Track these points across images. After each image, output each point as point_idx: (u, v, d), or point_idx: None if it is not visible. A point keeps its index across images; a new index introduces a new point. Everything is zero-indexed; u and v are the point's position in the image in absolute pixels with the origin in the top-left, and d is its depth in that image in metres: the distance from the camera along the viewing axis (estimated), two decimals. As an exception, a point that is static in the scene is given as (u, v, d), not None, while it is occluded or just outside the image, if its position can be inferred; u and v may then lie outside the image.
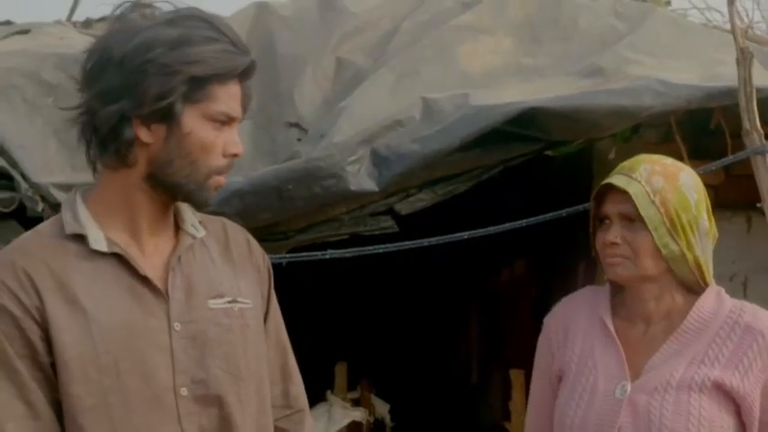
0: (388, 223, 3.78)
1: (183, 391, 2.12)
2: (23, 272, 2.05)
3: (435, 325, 8.52)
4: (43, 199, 3.78)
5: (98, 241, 2.10)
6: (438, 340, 8.49)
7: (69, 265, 2.08)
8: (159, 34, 2.07)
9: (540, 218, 3.73)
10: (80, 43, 4.39)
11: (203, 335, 2.16)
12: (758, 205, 3.61)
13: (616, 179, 2.61)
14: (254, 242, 2.41)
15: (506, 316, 7.81)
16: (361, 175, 3.57)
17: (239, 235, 2.39)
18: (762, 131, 3.57)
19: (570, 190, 5.09)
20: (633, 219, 2.57)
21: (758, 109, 3.57)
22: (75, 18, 5.88)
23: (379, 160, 3.60)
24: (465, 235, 3.60)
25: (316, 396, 4.79)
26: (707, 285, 2.64)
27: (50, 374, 2.04)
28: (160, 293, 2.13)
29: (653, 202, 2.55)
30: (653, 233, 2.55)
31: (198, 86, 2.08)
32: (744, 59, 3.49)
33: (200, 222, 2.28)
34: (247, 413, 2.22)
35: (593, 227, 2.72)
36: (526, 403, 5.01)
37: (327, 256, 3.53)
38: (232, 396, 2.18)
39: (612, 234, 2.61)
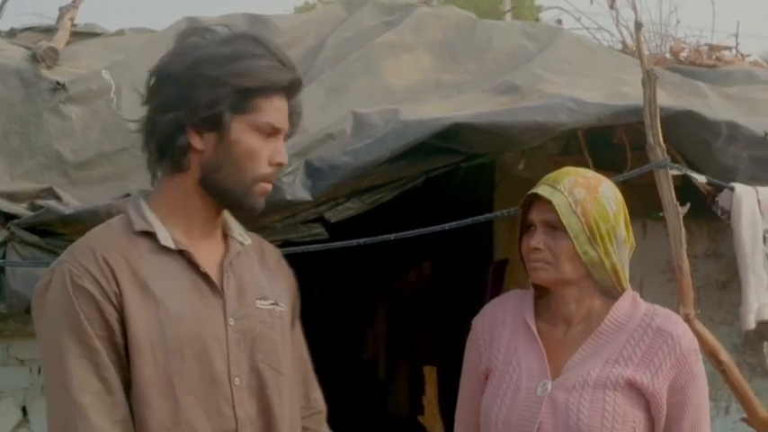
0: (318, 230, 3.81)
1: (237, 381, 2.20)
2: (103, 259, 2.12)
3: (347, 323, 8.56)
4: (-16, 205, 3.74)
5: (166, 239, 2.19)
6: (349, 338, 8.53)
7: (141, 257, 2.16)
8: (213, 51, 2.18)
9: (454, 224, 3.78)
10: (17, 54, 4.33)
11: (252, 331, 2.25)
12: (660, 214, 3.72)
13: (542, 189, 2.67)
14: (284, 260, 2.52)
15: (413, 315, 7.88)
16: (296, 186, 3.60)
17: (273, 251, 2.50)
18: (663, 147, 3.68)
19: (474, 198, 5.21)
20: (556, 226, 2.63)
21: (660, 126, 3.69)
22: (-1, 28, 5.73)
23: (312, 171, 3.63)
24: (392, 236, 3.64)
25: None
26: (623, 290, 2.71)
27: (123, 355, 2.11)
28: (217, 290, 2.22)
29: (574, 211, 2.60)
30: (574, 240, 2.61)
31: (245, 98, 2.18)
32: (649, 81, 3.59)
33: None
34: (285, 407, 2.30)
35: (521, 232, 2.79)
36: (438, 398, 5.10)
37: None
38: (273, 389, 2.26)
39: (536, 240, 2.67)
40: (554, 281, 2.68)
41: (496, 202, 5.50)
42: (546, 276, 2.67)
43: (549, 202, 2.63)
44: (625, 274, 2.71)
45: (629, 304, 2.70)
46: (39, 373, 4.21)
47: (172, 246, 2.19)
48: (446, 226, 3.64)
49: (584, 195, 2.64)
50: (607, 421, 2.56)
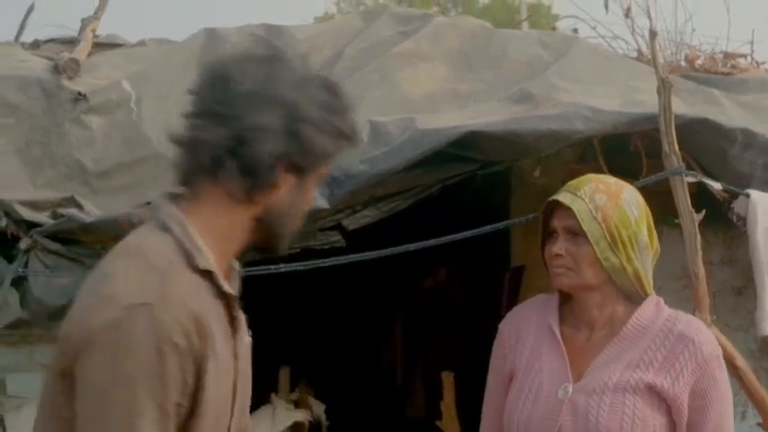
0: (336, 238, 3.82)
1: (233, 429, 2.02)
2: (191, 311, 1.85)
3: (365, 330, 8.57)
4: (7, 215, 3.75)
5: (222, 281, 1.95)
6: (367, 345, 8.54)
7: (206, 307, 1.90)
8: (322, 96, 2.01)
9: (473, 232, 3.79)
10: (39, 65, 4.36)
11: (245, 371, 2.08)
12: (676, 221, 3.71)
13: (563, 196, 2.67)
14: None
15: (429, 322, 7.89)
16: (315, 194, 3.60)
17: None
18: (679, 154, 3.67)
19: (490, 205, 5.20)
20: (577, 233, 2.61)
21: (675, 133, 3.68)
22: (22, 39, 5.77)
23: (330, 180, 3.63)
24: (412, 247, 3.65)
25: (260, 399, 4.79)
26: (647, 295, 2.69)
27: (183, 419, 1.87)
28: (235, 332, 2.02)
29: (595, 218, 2.59)
30: (595, 247, 2.60)
31: (338, 153, 2.06)
32: (664, 89, 3.59)
33: None
34: None
35: (543, 239, 2.79)
36: (456, 403, 5.11)
37: (282, 270, 3.55)
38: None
39: (558, 246, 2.67)
40: (576, 286, 2.68)
41: (513, 210, 5.49)
42: (568, 282, 2.67)
43: (569, 209, 2.61)
44: (648, 279, 2.69)
45: (653, 309, 2.67)
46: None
47: (228, 290, 1.97)
48: (465, 234, 3.64)
49: (606, 202, 2.63)
50: (626, 425, 2.56)
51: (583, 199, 2.62)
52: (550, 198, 2.71)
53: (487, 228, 3.72)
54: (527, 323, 2.85)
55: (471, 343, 6.92)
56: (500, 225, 3.82)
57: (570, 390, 2.63)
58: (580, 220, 2.60)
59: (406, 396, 8.12)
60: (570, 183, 2.73)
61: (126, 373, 1.79)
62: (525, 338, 2.83)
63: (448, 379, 5.06)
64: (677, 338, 2.61)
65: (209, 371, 1.87)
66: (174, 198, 2.01)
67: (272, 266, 3.63)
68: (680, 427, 2.61)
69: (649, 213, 2.71)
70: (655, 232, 2.72)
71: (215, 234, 1.98)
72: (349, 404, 6.70)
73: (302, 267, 3.56)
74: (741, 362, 3.74)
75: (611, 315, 2.71)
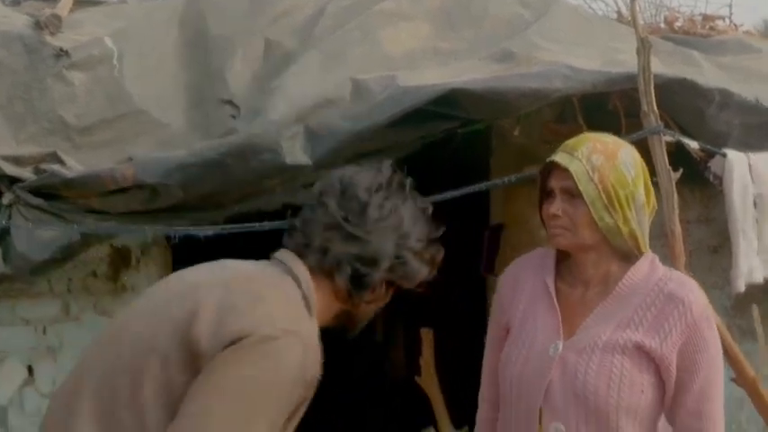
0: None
1: None
2: (318, 354, 2.20)
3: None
4: (-10, 170, 3.75)
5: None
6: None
7: None
8: (425, 226, 2.45)
9: (454, 193, 3.78)
10: (21, 21, 4.32)
11: None
12: (654, 179, 3.72)
13: (560, 157, 2.67)
14: None
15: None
16: (296, 150, 3.61)
17: None
18: (657, 113, 3.68)
19: (470, 164, 5.20)
20: (573, 194, 2.63)
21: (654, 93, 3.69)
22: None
23: (312, 136, 3.64)
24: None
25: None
26: (642, 254, 2.71)
27: None
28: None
29: (591, 179, 2.60)
30: (591, 207, 2.61)
31: None
32: (644, 49, 3.58)
33: None
34: None
35: (540, 198, 2.80)
36: (435, 359, 5.14)
37: (267, 228, 3.55)
38: None
39: (555, 207, 2.67)
40: (572, 246, 2.70)
41: (493, 169, 5.50)
42: (564, 242, 2.69)
43: (566, 170, 2.63)
44: (644, 238, 2.70)
45: (647, 268, 2.70)
46: (44, 332, 4.25)
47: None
48: (447, 195, 3.64)
49: (602, 162, 2.63)
50: (614, 384, 2.58)
51: (580, 160, 2.63)
52: (548, 159, 2.72)
53: (470, 188, 3.72)
54: (524, 278, 2.88)
55: (450, 300, 6.97)
56: (483, 186, 3.83)
57: (560, 347, 2.66)
58: (577, 181, 2.62)
59: (385, 353, 8.15)
60: (567, 142, 2.73)
61: (268, 380, 2.04)
62: (522, 293, 2.85)
63: (427, 336, 5.08)
64: (667, 298, 2.63)
65: (299, 412, 2.17)
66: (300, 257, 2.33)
67: (256, 224, 3.64)
68: (668, 386, 2.63)
69: (646, 171, 2.72)
70: (652, 189, 2.73)
71: (318, 312, 2.30)
72: (329, 361, 6.64)
73: (285, 226, 3.55)
74: (716, 319, 3.78)
75: (605, 273, 2.73)
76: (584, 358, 2.62)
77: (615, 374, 2.58)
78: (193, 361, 2.04)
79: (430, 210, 2.50)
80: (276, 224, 3.53)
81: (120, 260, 4.34)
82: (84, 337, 4.26)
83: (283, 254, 2.36)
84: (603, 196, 2.62)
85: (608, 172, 2.62)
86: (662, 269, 2.70)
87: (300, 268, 2.29)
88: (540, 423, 2.67)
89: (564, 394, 2.63)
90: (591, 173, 2.62)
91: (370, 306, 2.43)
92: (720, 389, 2.66)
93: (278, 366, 2.06)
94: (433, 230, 2.46)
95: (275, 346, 2.06)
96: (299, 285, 2.26)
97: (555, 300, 2.75)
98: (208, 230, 3.48)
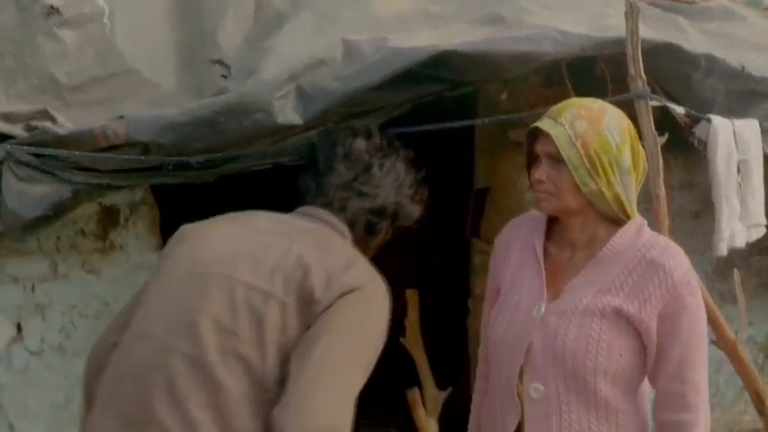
0: (307, 154, 3.82)
1: None
2: None
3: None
4: (-20, 126, 3.73)
5: None
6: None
7: None
8: (414, 173, 3.00)
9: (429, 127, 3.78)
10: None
11: None
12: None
13: (543, 123, 2.72)
14: None
15: (393, 240, 7.89)
16: (287, 110, 3.61)
17: None
18: (644, 78, 3.71)
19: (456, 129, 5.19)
20: (557, 159, 2.68)
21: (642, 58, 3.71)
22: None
23: (303, 96, 3.64)
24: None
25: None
26: (629, 218, 2.76)
27: None
28: None
29: (573, 144, 2.65)
30: (573, 173, 2.66)
31: None
32: (632, 13, 3.61)
33: None
34: None
35: (528, 163, 2.83)
36: (420, 320, 5.16)
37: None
38: None
39: (540, 172, 2.73)
40: (557, 210, 2.77)
41: (478, 133, 5.53)
42: (550, 207, 2.76)
43: (549, 135, 2.68)
44: (631, 203, 2.75)
45: (633, 233, 2.75)
46: (32, 290, 4.24)
47: None
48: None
49: (586, 128, 2.67)
50: (591, 347, 2.64)
51: (563, 125, 2.68)
52: (533, 124, 2.74)
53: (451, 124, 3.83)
54: (516, 240, 2.95)
55: (435, 262, 7.00)
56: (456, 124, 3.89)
57: (543, 309, 2.73)
58: (559, 147, 2.66)
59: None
60: (553, 108, 2.78)
61: (373, 325, 2.48)
62: (512, 255, 2.92)
63: (412, 297, 5.09)
64: (649, 264, 2.68)
65: None
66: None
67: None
68: (650, 351, 2.69)
69: (634, 136, 2.77)
70: (642, 153, 2.77)
71: None
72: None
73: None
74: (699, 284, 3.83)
75: (592, 237, 2.79)
76: (565, 321, 2.68)
77: (593, 338, 2.65)
78: (308, 307, 2.42)
79: (412, 155, 3.02)
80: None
81: (109, 219, 4.33)
82: (73, 295, 4.29)
83: (317, 210, 2.81)
84: (586, 161, 2.66)
85: (591, 138, 2.67)
86: (647, 235, 2.75)
87: (341, 224, 2.80)
88: (521, 383, 2.74)
89: (544, 356, 2.70)
90: (573, 138, 2.67)
91: (376, 245, 2.96)
92: (703, 355, 2.71)
93: (379, 312, 2.50)
94: (419, 173, 3.00)
95: (374, 295, 2.51)
96: (344, 237, 2.78)
97: (542, 262, 2.81)
98: (199, 158, 3.56)
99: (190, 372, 2.37)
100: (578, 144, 2.66)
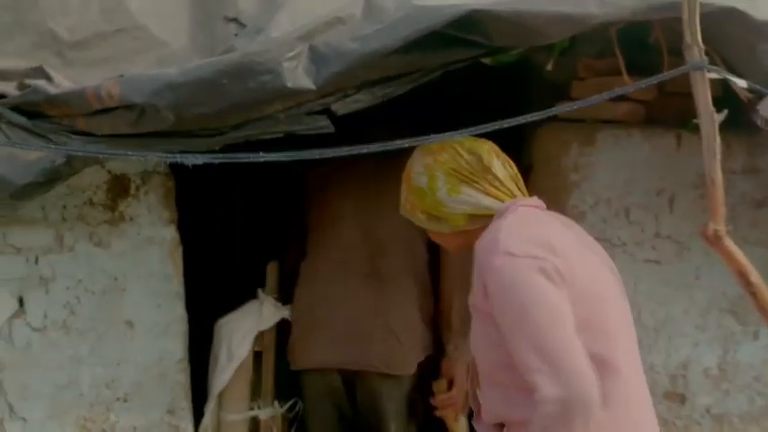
0: (323, 122, 3.48)
1: None
2: None
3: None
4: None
5: None
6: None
7: None
8: None
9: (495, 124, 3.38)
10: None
11: None
12: (695, 121, 3.35)
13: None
14: None
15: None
16: (299, 72, 3.28)
17: None
18: (702, 47, 3.29)
19: (507, 101, 4.81)
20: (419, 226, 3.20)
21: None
22: None
23: (317, 57, 3.31)
24: (419, 140, 3.25)
25: (247, 294, 4.53)
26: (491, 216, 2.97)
27: None
28: None
29: (408, 210, 3.14)
30: (427, 231, 3.18)
31: None
32: (690, -29, 3.20)
33: None
34: None
35: None
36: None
37: (262, 160, 3.18)
38: None
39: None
40: (457, 250, 3.19)
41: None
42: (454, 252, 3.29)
43: None
44: (476, 207, 2.97)
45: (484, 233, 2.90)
46: (36, 262, 4.00)
47: None
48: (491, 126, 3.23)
49: (405, 191, 3.11)
50: (477, 341, 2.87)
51: (402, 204, 3.17)
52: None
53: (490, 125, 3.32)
54: None
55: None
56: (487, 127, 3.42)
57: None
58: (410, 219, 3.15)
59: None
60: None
61: None
62: None
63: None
64: (474, 255, 2.85)
65: None
66: None
67: (251, 155, 3.29)
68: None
69: (437, 161, 3.01)
70: (437, 176, 3.01)
71: None
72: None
73: (284, 158, 3.18)
74: (756, 278, 3.41)
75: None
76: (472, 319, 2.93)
77: (477, 333, 2.86)
78: None
79: None
80: (273, 156, 3.19)
81: (119, 188, 4.06)
82: (79, 268, 4.03)
83: None
84: (423, 217, 3.04)
85: (411, 197, 3.06)
86: (490, 228, 2.89)
87: None
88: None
89: None
90: (406, 206, 3.11)
91: None
92: (544, 325, 2.62)
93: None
94: None
95: None
96: None
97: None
98: (198, 159, 3.11)
99: None
100: (408, 208, 3.09)
